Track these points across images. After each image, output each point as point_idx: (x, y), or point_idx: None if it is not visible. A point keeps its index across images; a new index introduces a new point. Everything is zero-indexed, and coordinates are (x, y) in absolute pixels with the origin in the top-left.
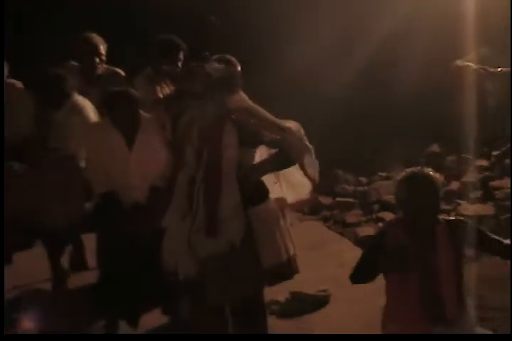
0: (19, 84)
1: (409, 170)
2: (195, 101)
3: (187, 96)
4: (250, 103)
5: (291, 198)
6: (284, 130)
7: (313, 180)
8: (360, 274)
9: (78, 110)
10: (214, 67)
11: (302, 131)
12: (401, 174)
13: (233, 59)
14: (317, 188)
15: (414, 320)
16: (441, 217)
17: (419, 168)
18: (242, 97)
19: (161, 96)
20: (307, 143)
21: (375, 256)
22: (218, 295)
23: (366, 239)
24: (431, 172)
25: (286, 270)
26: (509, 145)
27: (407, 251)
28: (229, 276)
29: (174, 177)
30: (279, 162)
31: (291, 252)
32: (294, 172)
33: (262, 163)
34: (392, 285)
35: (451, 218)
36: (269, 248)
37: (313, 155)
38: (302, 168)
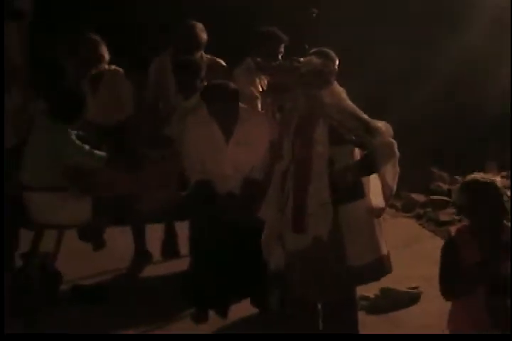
0: (120, 70)
1: (470, 176)
2: (286, 94)
3: (280, 89)
4: (345, 99)
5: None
6: (372, 131)
7: (389, 188)
8: (450, 288)
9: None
10: (310, 60)
11: (391, 132)
12: (463, 180)
13: (332, 53)
14: (390, 198)
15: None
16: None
17: (481, 173)
18: (336, 91)
19: (261, 88)
20: (394, 147)
21: (453, 268)
22: (303, 291)
23: (441, 251)
24: (493, 178)
25: (375, 270)
26: None
27: (476, 268)
28: (315, 273)
29: (272, 169)
30: (364, 167)
31: (383, 252)
32: (375, 177)
33: (348, 167)
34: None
35: None
36: (357, 247)
37: (397, 162)
38: (380, 175)
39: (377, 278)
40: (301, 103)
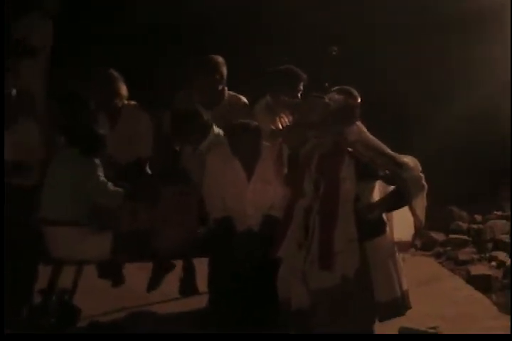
0: (138, 106)
1: None
2: (312, 131)
3: (305, 126)
4: (368, 135)
5: (395, 237)
6: (400, 166)
7: (419, 221)
8: None
9: (215, 144)
10: (333, 98)
11: (419, 167)
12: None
13: (354, 91)
14: (420, 231)
15: None
16: None
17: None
18: (360, 129)
19: (280, 126)
20: (423, 181)
21: None
22: (329, 327)
23: None
24: None
25: (400, 305)
26: None
27: None
28: (341, 310)
29: (292, 207)
30: (394, 202)
31: (405, 287)
32: (402, 210)
33: (379, 202)
34: None
35: None
36: (384, 282)
37: (425, 196)
38: (411, 208)
39: (401, 314)
40: (327, 140)
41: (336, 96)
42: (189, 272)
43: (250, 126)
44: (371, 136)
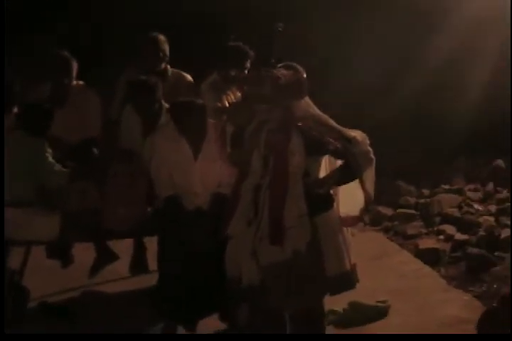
0: (86, 86)
1: None
2: (261, 105)
3: (254, 100)
4: (316, 110)
5: (342, 212)
6: (349, 140)
7: (369, 195)
8: None
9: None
10: (282, 72)
11: (367, 141)
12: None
13: (299, 66)
14: (369, 205)
15: None
16: None
17: None
18: (309, 104)
19: (227, 103)
20: (371, 154)
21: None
22: (280, 303)
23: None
24: None
25: (350, 279)
26: None
27: None
28: (292, 285)
29: (239, 185)
30: (344, 175)
31: (352, 261)
32: (350, 185)
33: (329, 175)
34: None
35: None
36: (334, 257)
37: (374, 169)
38: (361, 181)
39: (351, 287)
40: (275, 115)
41: (285, 72)
42: (140, 251)
43: (194, 104)
44: (319, 112)
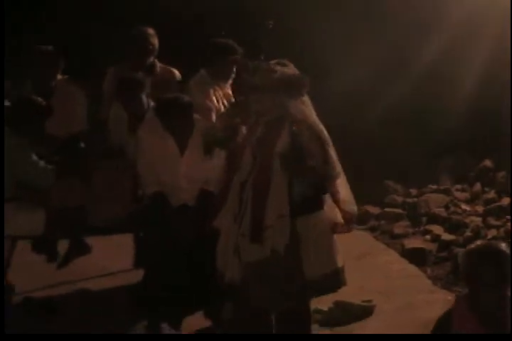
0: (71, 80)
1: (479, 243)
2: (252, 96)
3: (244, 88)
4: (314, 115)
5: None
6: (329, 163)
7: (350, 214)
8: None
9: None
10: (280, 69)
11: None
12: (470, 246)
13: (291, 64)
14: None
15: None
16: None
17: (492, 241)
18: (306, 105)
19: (215, 99)
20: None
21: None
22: (260, 302)
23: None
24: (503, 247)
25: (331, 282)
26: None
27: None
28: (271, 284)
29: (231, 179)
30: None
31: (339, 264)
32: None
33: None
34: None
35: None
36: (313, 259)
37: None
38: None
39: (332, 290)
40: (271, 112)
41: (282, 68)
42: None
43: (179, 100)
44: (316, 117)
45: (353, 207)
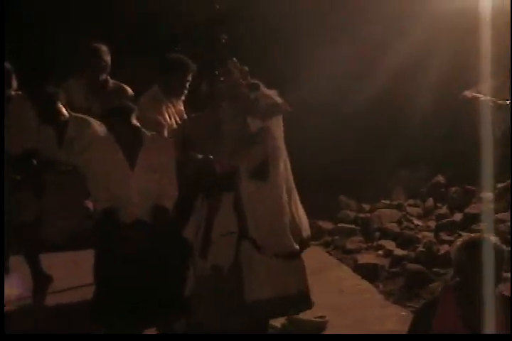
0: (22, 96)
1: (473, 235)
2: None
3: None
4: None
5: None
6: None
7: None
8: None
9: (87, 124)
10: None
11: None
12: (463, 239)
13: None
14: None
15: None
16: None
17: (486, 235)
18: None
19: (167, 116)
20: None
21: (426, 325)
22: (203, 318)
23: (420, 306)
24: (497, 241)
25: (272, 307)
26: None
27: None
28: (215, 301)
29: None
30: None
31: (292, 290)
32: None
33: None
34: None
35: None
36: (253, 283)
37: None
38: None
39: (274, 317)
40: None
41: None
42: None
43: (123, 108)
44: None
45: (308, 233)
